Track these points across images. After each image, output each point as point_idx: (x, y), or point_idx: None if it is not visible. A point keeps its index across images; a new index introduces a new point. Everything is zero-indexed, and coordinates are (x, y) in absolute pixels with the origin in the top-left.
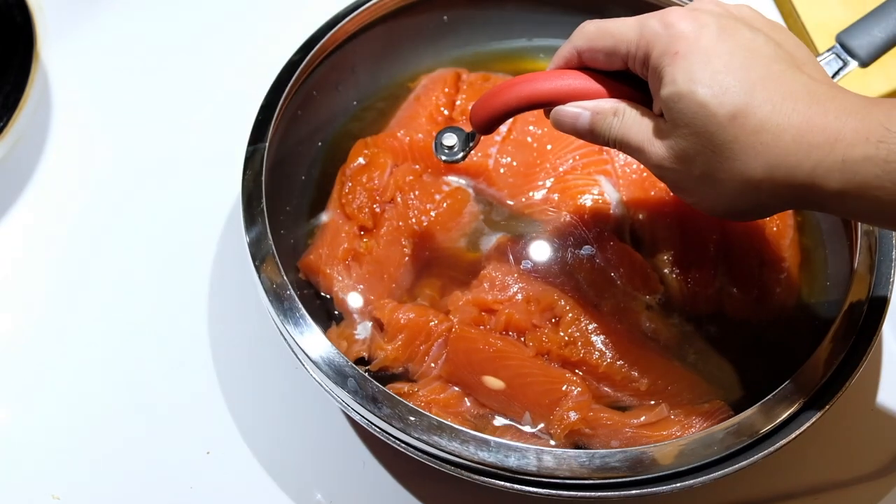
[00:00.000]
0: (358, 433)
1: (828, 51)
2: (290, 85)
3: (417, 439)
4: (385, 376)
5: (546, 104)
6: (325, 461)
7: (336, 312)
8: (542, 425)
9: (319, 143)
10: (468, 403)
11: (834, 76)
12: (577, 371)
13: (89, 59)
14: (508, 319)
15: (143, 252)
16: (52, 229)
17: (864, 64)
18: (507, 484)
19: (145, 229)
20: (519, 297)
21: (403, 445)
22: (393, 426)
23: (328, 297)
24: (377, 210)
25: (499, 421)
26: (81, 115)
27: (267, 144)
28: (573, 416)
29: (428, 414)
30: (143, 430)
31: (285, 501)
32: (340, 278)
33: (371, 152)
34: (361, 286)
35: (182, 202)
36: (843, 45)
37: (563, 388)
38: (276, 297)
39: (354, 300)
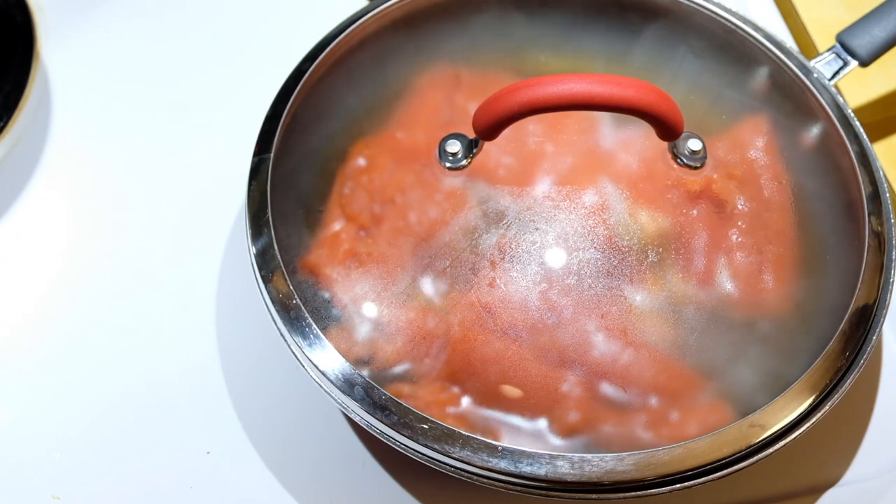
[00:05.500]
0: (356, 432)
1: (828, 51)
2: (295, 94)
3: (426, 446)
4: (385, 377)
5: (550, 109)
6: (325, 461)
7: (336, 313)
8: (541, 425)
9: (319, 144)
10: (467, 404)
11: (834, 76)
12: (577, 371)
13: (89, 59)
14: (508, 320)
15: (146, 251)
16: (53, 230)
17: (864, 64)
18: (513, 486)
19: (148, 228)
20: (518, 297)
21: (411, 451)
22: (402, 434)
23: (328, 297)
24: (377, 210)
25: (498, 421)
26: (81, 116)
27: (272, 155)
28: (573, 416)
29: (436, 421)
30: (143, 430)
31: (286, 501)
32: (340, 279)
33: (371, 153)
34: (361, 287)
35: (186, 201)
36: (843, 45)
37: (563, 388)
38: (283, 307)
39: (354, 301)
